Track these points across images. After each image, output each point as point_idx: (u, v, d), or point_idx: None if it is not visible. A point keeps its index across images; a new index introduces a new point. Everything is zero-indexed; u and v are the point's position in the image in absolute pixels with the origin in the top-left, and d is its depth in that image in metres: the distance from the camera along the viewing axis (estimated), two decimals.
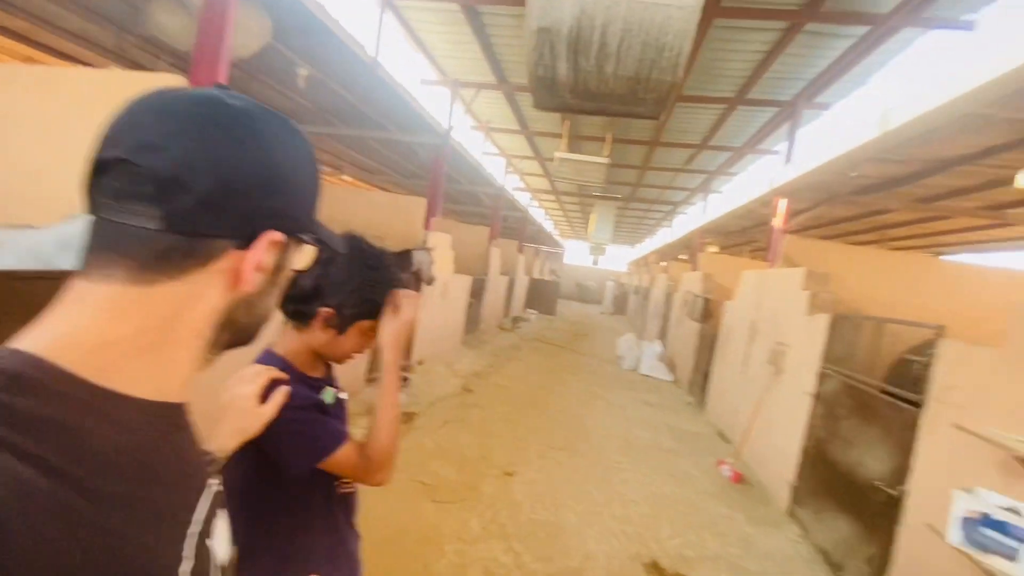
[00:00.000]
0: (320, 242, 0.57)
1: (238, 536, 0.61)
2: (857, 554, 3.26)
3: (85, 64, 5.50)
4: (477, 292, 10.38)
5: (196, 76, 2.91)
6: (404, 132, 7.14)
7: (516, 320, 14.27)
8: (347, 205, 7.60)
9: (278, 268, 0.53)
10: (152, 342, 0.44)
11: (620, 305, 25.73)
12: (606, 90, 2.26)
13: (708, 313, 8.91)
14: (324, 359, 1.13)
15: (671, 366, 10.51)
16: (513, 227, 15.41)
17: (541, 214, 20.66)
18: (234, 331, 0.51)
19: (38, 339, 0.40)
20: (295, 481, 1.01)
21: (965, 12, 4.55)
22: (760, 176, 9.98)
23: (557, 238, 26.50)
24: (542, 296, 18.51)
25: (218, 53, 2.91)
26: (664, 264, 17.11)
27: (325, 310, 1.03)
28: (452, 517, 3.43)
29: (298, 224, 0.52)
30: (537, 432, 5.51)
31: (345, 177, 10.03)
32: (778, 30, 5.30)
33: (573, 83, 2.25)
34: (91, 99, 2.89)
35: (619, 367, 10.59)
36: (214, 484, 0.52)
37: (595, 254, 17.90)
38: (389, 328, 1.07)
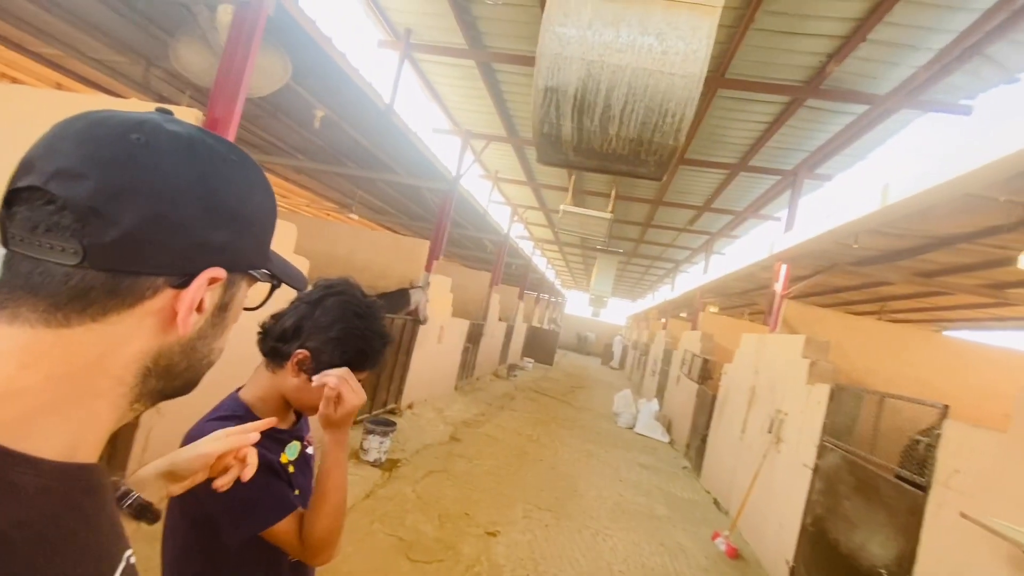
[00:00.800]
0: (274, 278, 0.53)
1: None
2: None
3: (112, 94, 5.70)
4: (474, 337, 10.29)
5: (213, 111, 2.99)
6: (413, 176, 7.30)
7: (512, 368, 14.07)
8: (351, 244, 7.67)
9: (222, 307, 0.48)
10: (65, 394, 0.38)
11: (625, 360, 25.42)
12: (609, 150, 2.30)
13: (707, 374, 8.76)
14: (293, 407, 1.04)
15: (668, 426, 10.24)
16: (515, 274, 15.49)
17: (544, 263, 20.83)
18: (168, 378, 0.46)
19: None
20: (236, 551, 0.91)
21: (962, 97, 4.72)
22: (761, 240, 10.09)
23: (559, 288, 26.60)
24: (540, 345, 18.34)
25: (236, 91, 3.00)
26: (663, 321, 17.07)
27: (301, 352, 0.96)
28: None
29: (246, 259, 0.48)
30: (525, 489, 5.28)
31: (353, 216, 10.19)
32: (780, 103, 5.49)
33: (577, 142, 2.30)
34: None
35: (614, 424, 10.32)
36: (130, 556, 0.45)
37: (595, 306, 17.88)
38: (328, 412, 0.93)
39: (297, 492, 1.01)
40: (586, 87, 2.14)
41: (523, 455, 6.52)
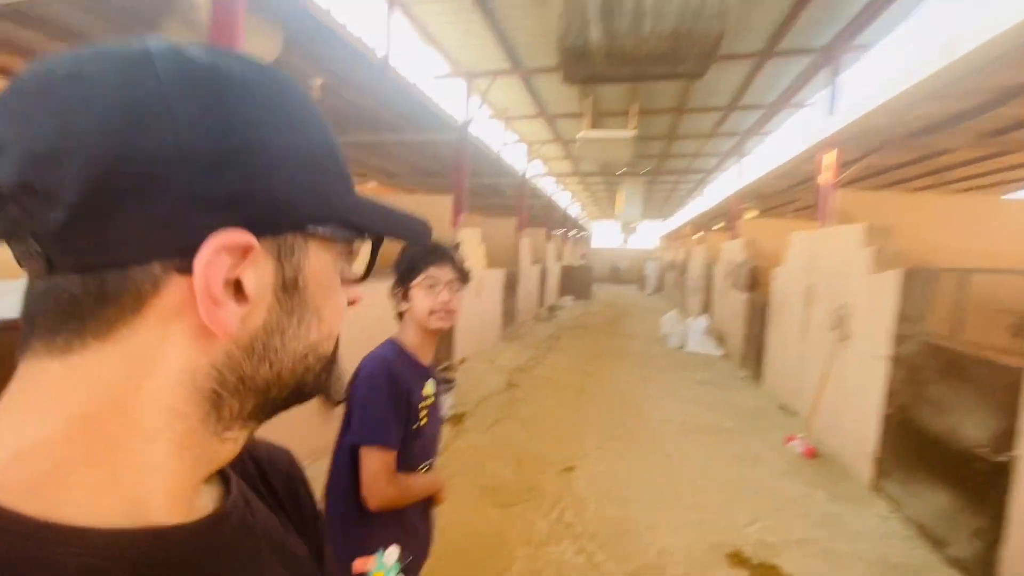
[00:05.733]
0: (362, 232, 0.37)
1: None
2: (962, 528, 2.98)
3: None
4: (511, 285, 10.26)
5: None
6: (421, 131, 7.04)
7: (552, 309, 14.10)
8: None
9: (290, 285, 0.33)
10: (95, 440, 0.28)
11: (662, 285, 25.06)
12: (644, 51, 2.05)
13: (755, 281, 8.50)
14: (427, 332, 1.31)
15: (719, 340, 10.13)
16: (539, 215, 15.20)
17: (566, 198, 20.32)
18: (256, 393, 0.33)
19: None
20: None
21: None
22: (798, 132, 9.45)
23: (584, 221, 26.09)
24: (576, 282, 18.24)
25: None
26: (698, 236, 16.56)
27: (397, 292, 1.31)
28: (517, 520, 3.33)
29: (293, 212, 0.32)
30: (591, 422, 5.36)
31: (371, 184, 10.05)
32: None
33: (608, 48, 2.05)
34: None
35: (665, 346, 10.29)
36: None
37: (625, 233, 17.46)
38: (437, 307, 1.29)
39: (424, 422, 1.27)
40: None
41: (582, 391, 6.60)
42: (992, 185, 7.92)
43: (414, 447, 1.27)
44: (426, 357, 1.33)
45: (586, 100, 7.57)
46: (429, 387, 1.30)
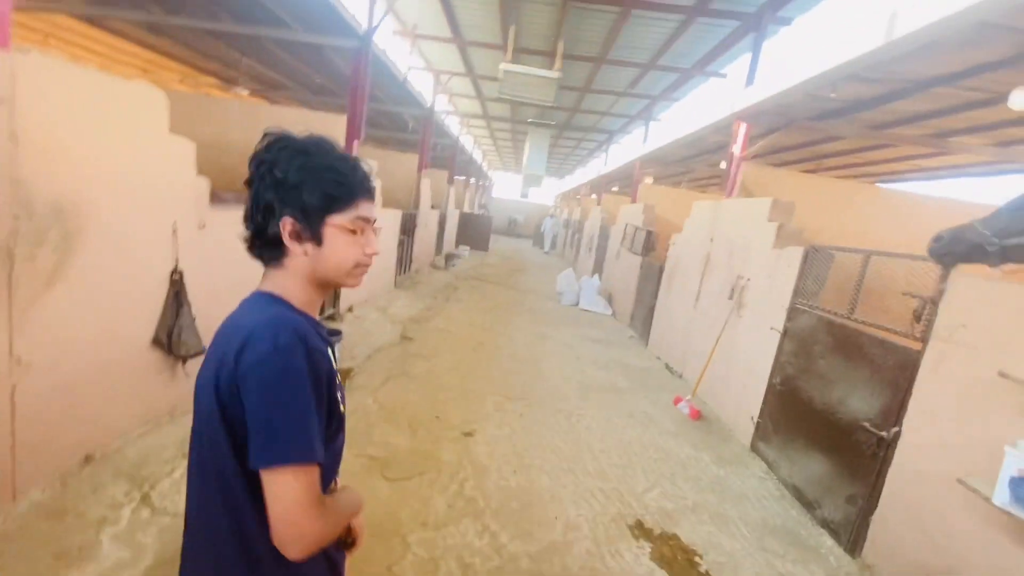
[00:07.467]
0: None
1: None
2: (834, 493, 3.20)
3: None
4: (408, 228, 9.46)
5: None
6: (313, 32, 5.83)
7: (450, 257, 13.52)
8: (246, 124, 6.26)
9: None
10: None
11: (555, 243, 25.38)
12: None
13: (651, 246, 8.75)
14: (326, 288, 0.93)
15: (608, 299, 10.46)
16: (442, 156, 14.23)
17: (470, 142, 19.35)
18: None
19: None
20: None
21: None
22: (708, 102, 9.62)
23: (486, 170, 25.35)
24: (474, 231, 17.74)
25: None
26: (595, 196, 16.87)
27: (286, 222, 0.84)
28: (411, 497, 2.92)
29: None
30: (490, 381, 5.07)
31: (240, 91, 8.38)
32: None
33: None
34: None
35: (558, 303, 10.37)
36: None
37: (529, 185, 17.20)
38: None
39: (343, 411, 0.93)
40: None
41: (479, 346, 6.28)
42: (863, 176, 8.83)
43: (329, 451, 0.88)
44: (315, 314, 0.95)
45: (507, 28, 6.82)
46: (332, 358, 0.91)
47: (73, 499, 2.40)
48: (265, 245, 0.87)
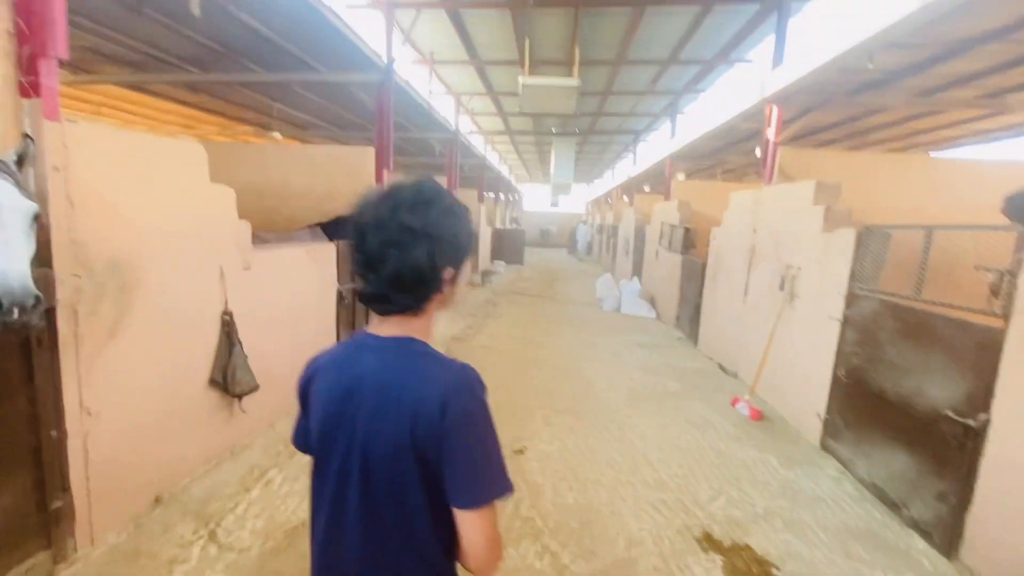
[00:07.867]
0: None
1: None
2: (921, 490, 2.94)
3: None
4: None
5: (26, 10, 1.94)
6: (337, 70, 6.05)
7: (486, 274, 13.60)
8: (282, 166, 6.53)
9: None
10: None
11: (591, 248, 25.12)
12: None
13: (690, 242, 8.50)
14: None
15: (651, 302, 10.20)
16: (470, 175, 14.41)
17: (496, 159, 19.55)
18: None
19: None
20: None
21: None
22: (736, 89, 9.35)
23: (514, 184, 25.50)
24: (508, 246, 17.81)
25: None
26: (627, 199, 16.62)
27: (447, 271, 0.93)
28: None
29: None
30: (537, 395, 5.00)
31: (274, 135, 8.77)
32: None
33: None
34: None
35: (600, 310, 10.21)
36: None
37: (558, 194, 17.15)
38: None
39: None
40: None
41: (524, 360, 6.23)
42: (914, 147, 8.32)
43: None
44: None
45: (522, 43, 6.86)
46: None
47: (146, 540, 2.49)
48: (413, 296, 0.92)
